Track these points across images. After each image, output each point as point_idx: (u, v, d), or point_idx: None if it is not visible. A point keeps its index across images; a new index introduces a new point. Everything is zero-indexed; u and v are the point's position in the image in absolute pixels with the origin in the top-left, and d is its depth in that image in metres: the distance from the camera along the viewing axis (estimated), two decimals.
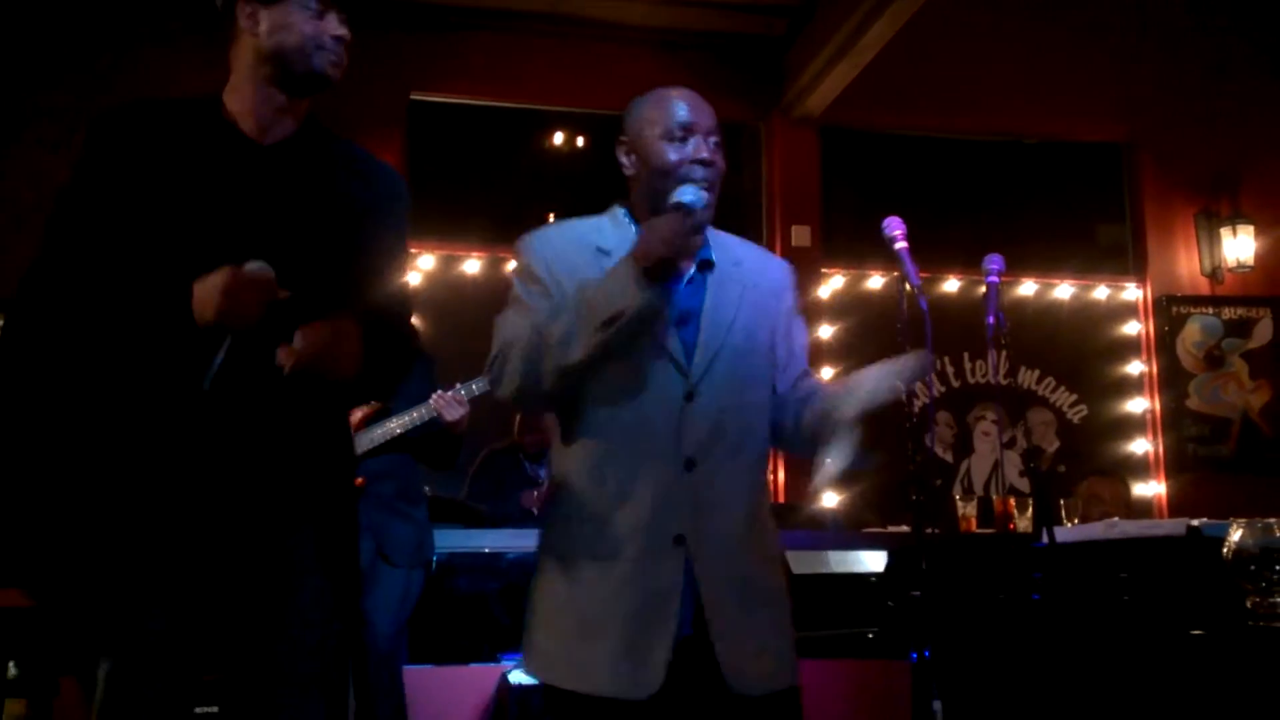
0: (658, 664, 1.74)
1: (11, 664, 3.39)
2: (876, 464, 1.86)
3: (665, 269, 1.76)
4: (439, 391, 3.65)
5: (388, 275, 1.91)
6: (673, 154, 1.89)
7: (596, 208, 1.99)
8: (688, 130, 1.90)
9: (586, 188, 6.01)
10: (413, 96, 5.92)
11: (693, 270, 1.92)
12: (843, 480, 1.90)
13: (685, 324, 1.87)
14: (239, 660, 1.71)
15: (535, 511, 4.73)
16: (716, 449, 1.84)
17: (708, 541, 1.80)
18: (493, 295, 6.01)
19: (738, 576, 1.82)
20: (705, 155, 1.89)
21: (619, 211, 1.98)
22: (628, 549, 1.78)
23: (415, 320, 4.74)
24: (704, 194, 1.84)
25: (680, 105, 1.93)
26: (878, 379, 1.84)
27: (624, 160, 1.97)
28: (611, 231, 1.93)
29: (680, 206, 1.79)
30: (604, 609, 1.78)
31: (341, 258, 1.79)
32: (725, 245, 2.00)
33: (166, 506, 1.64)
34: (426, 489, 3.92)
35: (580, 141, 6.29)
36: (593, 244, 1.90)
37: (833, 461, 1.82)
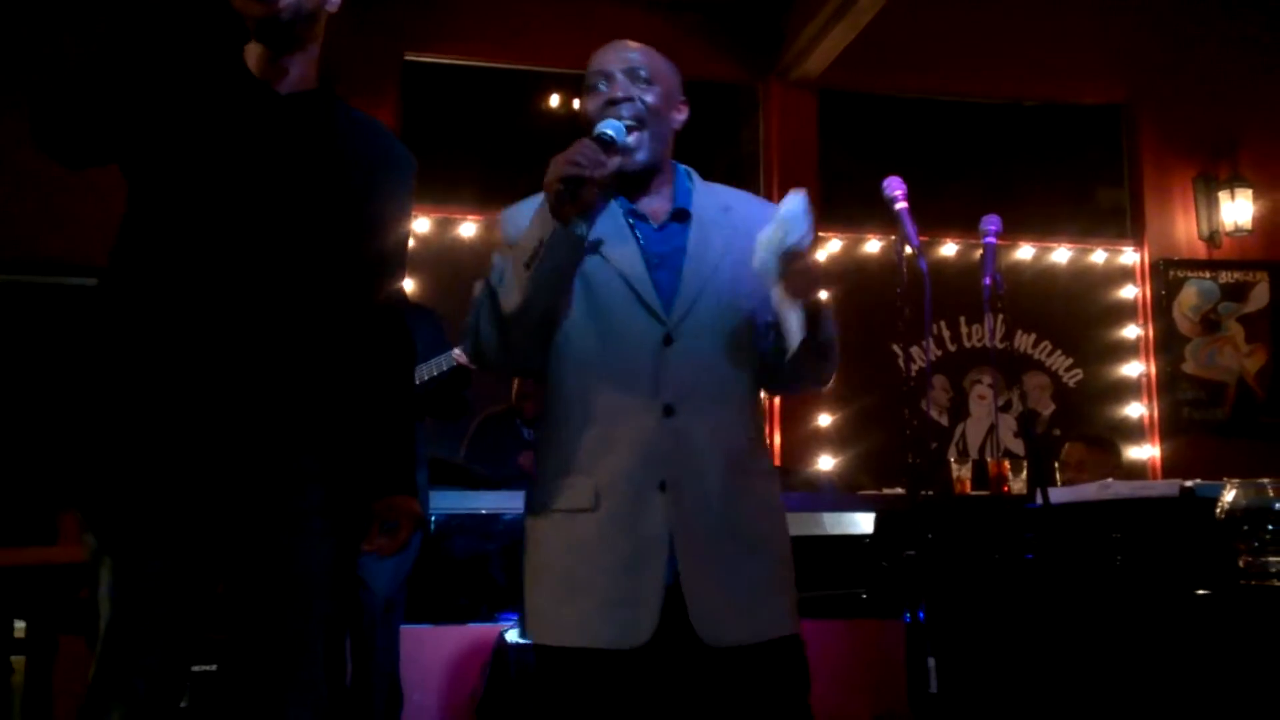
0: (648, 612, 1.71)
1: (17, 622, 3.41)
2: (836, 333, 1.83)
3: (570, 194, 1.67)
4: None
5: (389, 239, 1.92)
6: (589, 104, 1.87)
7: None
8: (601, 77, 1.88)
9: None
10: (407, 57, 5.87)
11: (666, 218, 1.89)
12: (812, 349, 1.82)
13: (660, 269, 1.84)
14: (237, 617, 1.72)
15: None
16: (697, 395, 1.80)
17: (690, 489, 1.76)
18: (488, 258, 5.98)
19: (721, 525, 1.78)
20: (616, 94, 1.85)
21: None
22: (611, 499, 1.75)
23: (407, 282, 4.70)
24: (621, 125, 1.80)
25: (594, 58, 1.90)
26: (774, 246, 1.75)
27: None
28: None
29: (599, 138, 1.75)
30: (591, 561, 1.74)
31: (348, 210, 1.80)
32: (714, 193, 1.97)
33: (175, 444, 1.66)
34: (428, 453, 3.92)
35: (576, 103, 6.24)
36: None
37: (794, 323, 1.76)
